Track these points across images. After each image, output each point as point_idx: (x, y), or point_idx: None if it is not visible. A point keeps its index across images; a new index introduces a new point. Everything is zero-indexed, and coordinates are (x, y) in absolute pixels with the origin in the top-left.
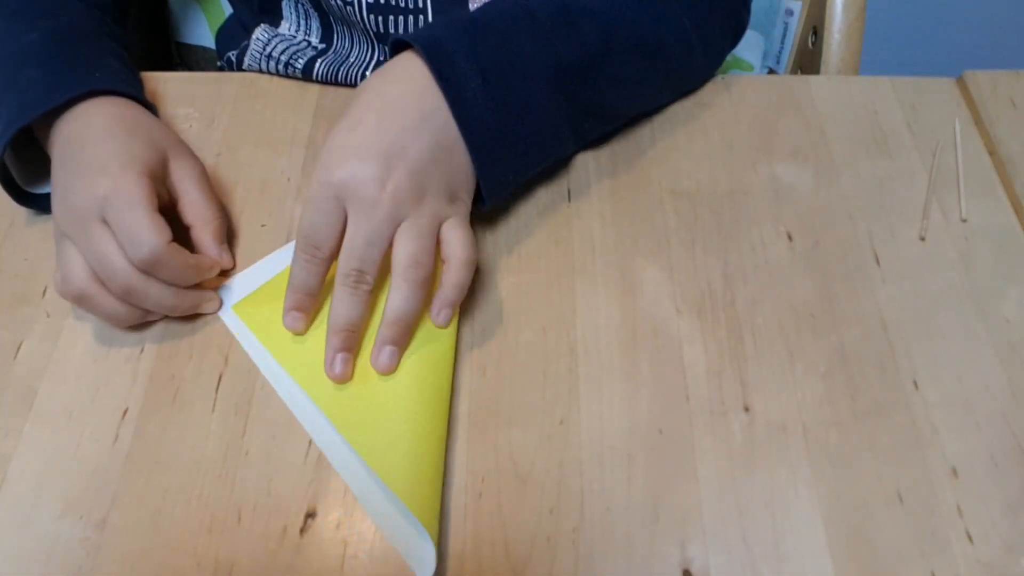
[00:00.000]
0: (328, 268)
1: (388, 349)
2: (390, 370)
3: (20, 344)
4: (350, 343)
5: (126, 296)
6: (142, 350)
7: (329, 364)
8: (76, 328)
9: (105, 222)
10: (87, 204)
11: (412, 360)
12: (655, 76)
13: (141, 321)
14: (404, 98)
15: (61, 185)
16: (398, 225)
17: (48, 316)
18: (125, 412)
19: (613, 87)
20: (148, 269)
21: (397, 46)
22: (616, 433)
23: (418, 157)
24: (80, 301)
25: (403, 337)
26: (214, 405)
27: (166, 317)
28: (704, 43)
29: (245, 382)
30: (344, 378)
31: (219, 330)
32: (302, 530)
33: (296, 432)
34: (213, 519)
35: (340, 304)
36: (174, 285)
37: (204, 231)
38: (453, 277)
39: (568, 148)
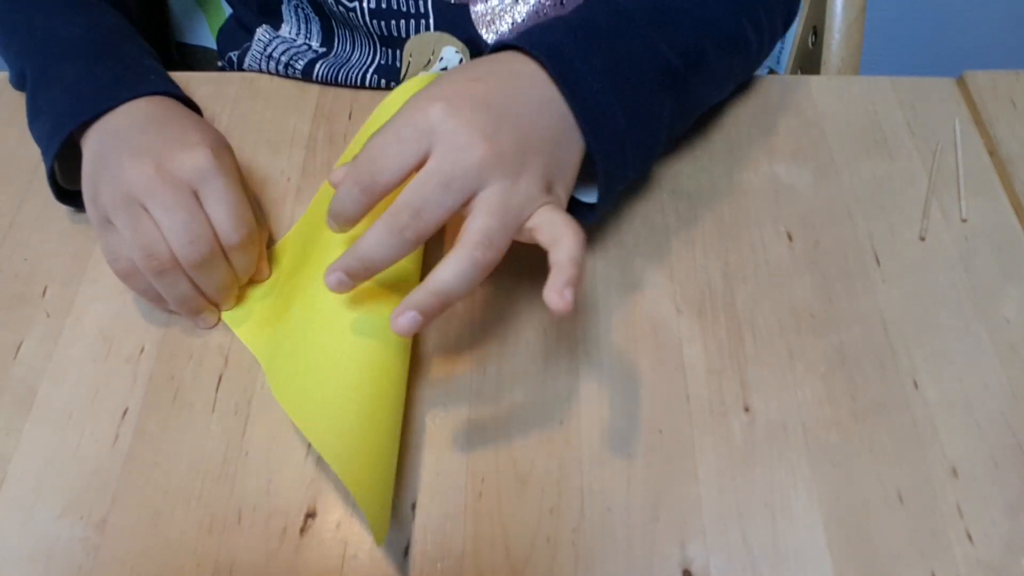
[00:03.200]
0: (375, 203)
1: (412, 315)
2: (405, 334)
3: (20, 344)
4: (358, 275)
5: (200, 266)
6: (142, 350)
7: (328, 273)
8: (76, 328)
9: (194, 194)
10: (184, 172)
11: (375, 346)
12: (736, 69)
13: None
14: (531, 79)
15: (133, 151)
16: (482, 186)
17: (48, 316)
18: (125, 412)
19: (706, 84)
20: (234, 248)
21: (500, 46)
22: (616, 433)
23: (529, 130)
24: (163, 274)
25: (436, 311)
26: (214, 405)
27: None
28: (772, 33)
29: (245, 382)
30: (334, 291)
31: (219, 330)
32: (302, 530)
33: (296, 432)
34: (213, 519)
35: (373, 238)
36: (243, 272)
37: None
38: (568, 251)
39: (663, 146)
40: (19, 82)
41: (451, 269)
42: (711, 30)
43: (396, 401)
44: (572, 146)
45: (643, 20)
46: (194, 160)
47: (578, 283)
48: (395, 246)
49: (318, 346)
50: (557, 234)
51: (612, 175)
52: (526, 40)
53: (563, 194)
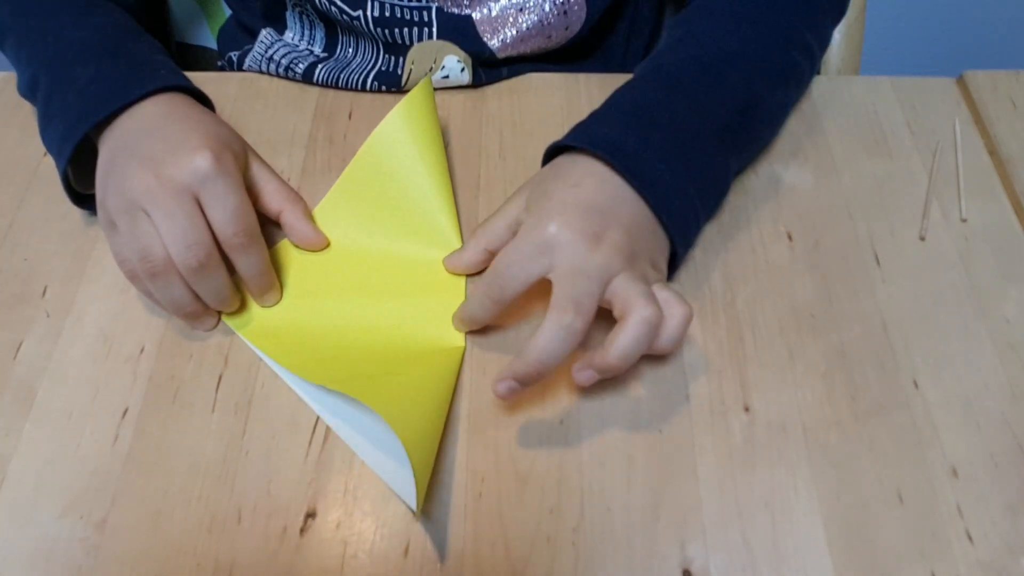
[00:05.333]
0: (504, 311)
1: (589, 373)
2: (584, 384)
3: (20, 344)
4: (533, 377)
5: (197, 271)
6: (142, 350)
7: (498, 381)
8: (76, 328)
9: (195, 198)
10: (184, 177)
11: (421, 352)
12: (790, 99)
13: (193, 312)
14: (603, 175)
15: (139, 158)
16: (609, 280)
17: (48, 316)
18: (125, 412)
19: (765, 122)
20: (235, 250)
21: (559, 148)
22: (616, 433)
23: (630, 221)
24: (156, 277)
25: (611, 370)
26: (214, 405)
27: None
28: (820, 43)
29: (245, 382)
30: (504, 401)
31: (219, 330)
32: (302, 530)
33: (296, 432)
34: (213, 519)
35: (546, 338)
36: (247, 273)
37: (294, 212)
38: (674, 331)
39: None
40: (31, 89)
41: (630, 334)
42: (761, 72)
43: (447, 395)
44: (657, 229)
45: (693, 82)
46: (193, 165)
47: (668, 353)
48: (566, 339)
49: (372, 348)
50: (669, 312)
51: (686, 239)
52: (585, 139)
53: (664, 267)
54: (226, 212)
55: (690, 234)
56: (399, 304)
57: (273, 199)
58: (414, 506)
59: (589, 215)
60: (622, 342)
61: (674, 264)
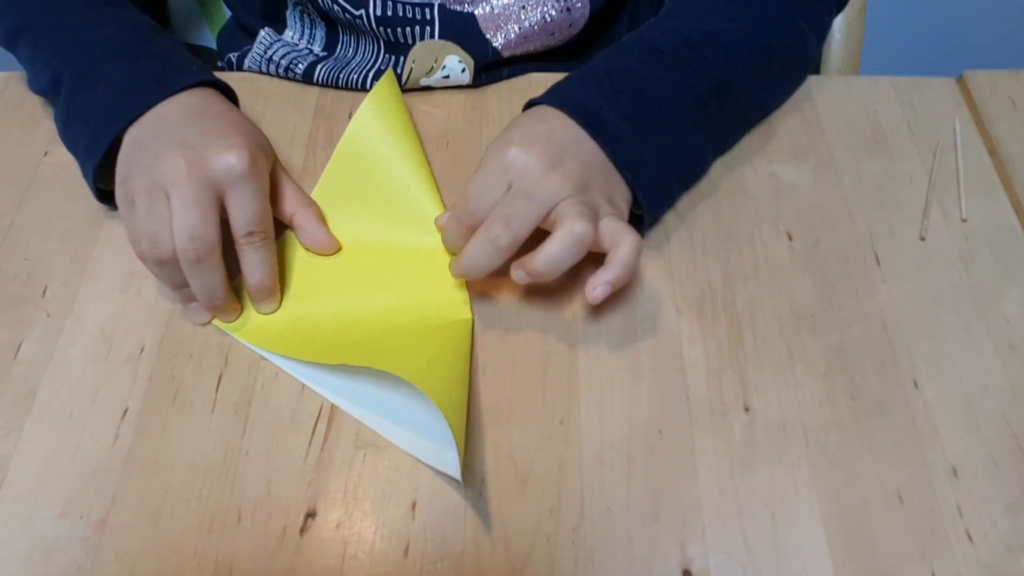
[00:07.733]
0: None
1: (520, 275)
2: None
3: (20, 344)
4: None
5: (194, 264)
6: (142, 350)
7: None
8: (76, 328)
9: (218, 193)
10: (214, 170)
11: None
12: (779, 78)
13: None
14: (577, 126)
15: (173, 143)
16: (555, 205)
17: (48, 316)
18: (125, 412)
19: (745, 100)
20: (247, 247)
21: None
22: (616, 433)
23: (588, 159)
24: (162, 264)
25: (546, 278)
26: (214, 405)
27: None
28: (815, 30)
29: (245, 382)
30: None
31: (219, 330)
32: (302, 530)
33: (296, 432)
34: (213, 519)
35: (473, 248)
36: (253, 274)
37: (306, 215)
38: (623, 255)
39: (710, 164)
40: (51, 87)
41: (557, 244)
42: (742, 50)
43: (465, 363)
44: (616, 176)
45: (670, 54)
46: (228, 161)
47: (620, 283)
48: (491, 252)
49: (389, 324)
50: (617, 239)
51: (654, 198)
52: (557, 99)
53: (623, 206)
54: (249, 214)
55: (657, 192)
56: (399, 290)
57: (288, 202)
58: (457, 473)
59: (549, 144)
60: (549, 250)
61: (654, 211)
